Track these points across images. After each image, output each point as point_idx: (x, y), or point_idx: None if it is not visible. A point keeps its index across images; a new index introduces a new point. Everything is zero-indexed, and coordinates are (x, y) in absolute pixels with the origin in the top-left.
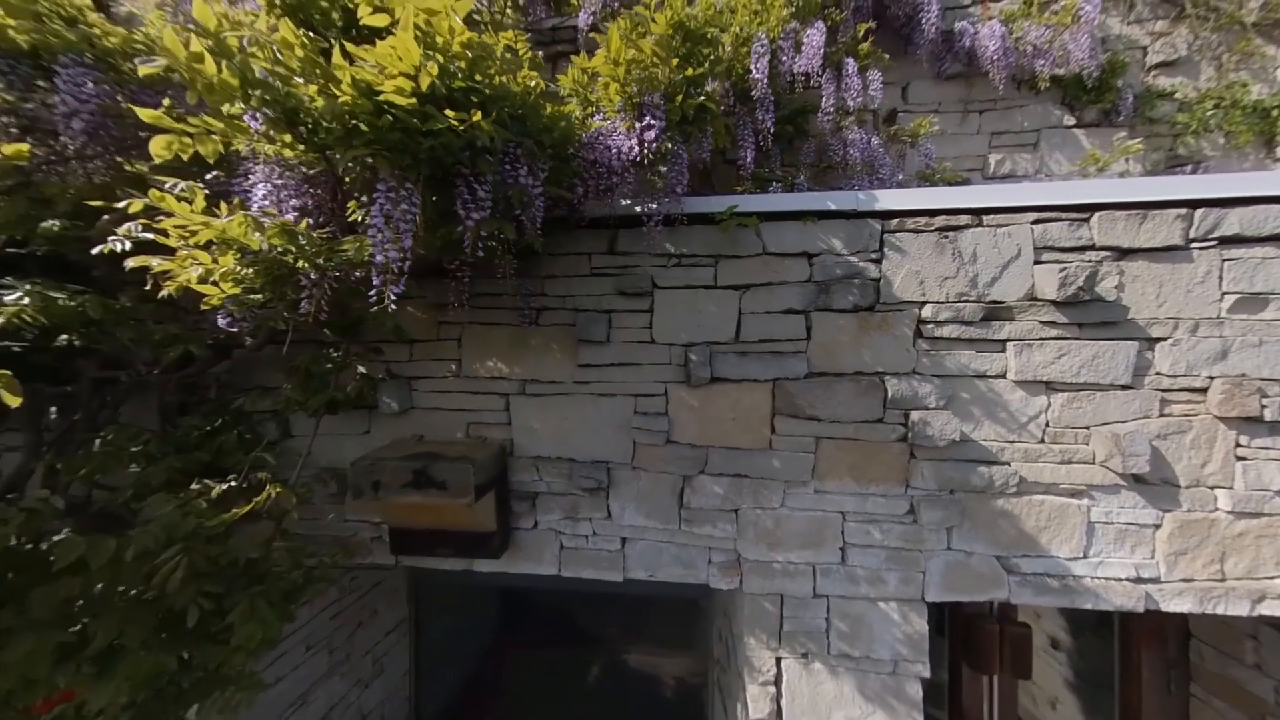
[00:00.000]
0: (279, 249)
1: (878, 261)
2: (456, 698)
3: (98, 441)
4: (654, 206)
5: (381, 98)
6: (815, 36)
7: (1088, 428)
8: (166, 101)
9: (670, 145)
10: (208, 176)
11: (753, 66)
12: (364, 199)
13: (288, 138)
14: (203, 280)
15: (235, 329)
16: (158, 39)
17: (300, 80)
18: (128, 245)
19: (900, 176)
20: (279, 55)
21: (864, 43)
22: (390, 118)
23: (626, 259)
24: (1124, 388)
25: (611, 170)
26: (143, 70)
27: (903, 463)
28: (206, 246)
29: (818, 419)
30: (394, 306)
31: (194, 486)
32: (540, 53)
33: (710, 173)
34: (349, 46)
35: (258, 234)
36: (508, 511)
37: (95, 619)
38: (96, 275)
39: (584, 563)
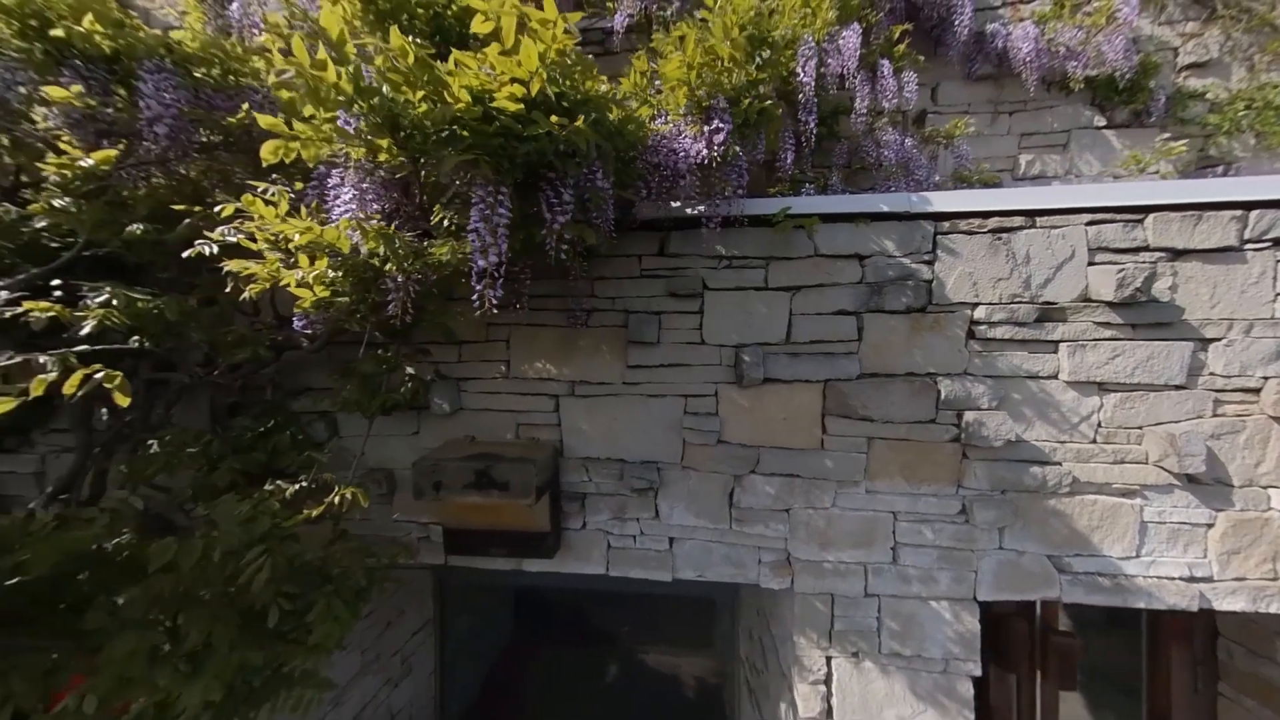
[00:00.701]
0: (372, 253)
1: (930, 263)
2: (479, 696)
3: (154, 443)
4: (715, 208)
5: (494, 104)
6: (851, 38)
7: (1140, 428)
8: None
9: (737, 148)
10: (268, 180)
11: (800, 69)
12: (441, 201)
13: (384, 142)
14: (301, 284)
15: (309, 331)
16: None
17: (406, 87)
18: (215, 249)
19: (937, 178)
20: (395, 63)
21: (900, 44)
22: (497, 123)
23: (677, 260)
24: (1178, 388)
25: (677, 173)
26: (272, 80)
27: (955, 463)
28: (290, 249)
29: (870, 419)
30: (496, 309)
31: (267, 487)
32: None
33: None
34: (456, 54)
35: (358, 238)
36: (559, 512)
37: (187, 618)
38: (164, 277)
39: (632, 562)
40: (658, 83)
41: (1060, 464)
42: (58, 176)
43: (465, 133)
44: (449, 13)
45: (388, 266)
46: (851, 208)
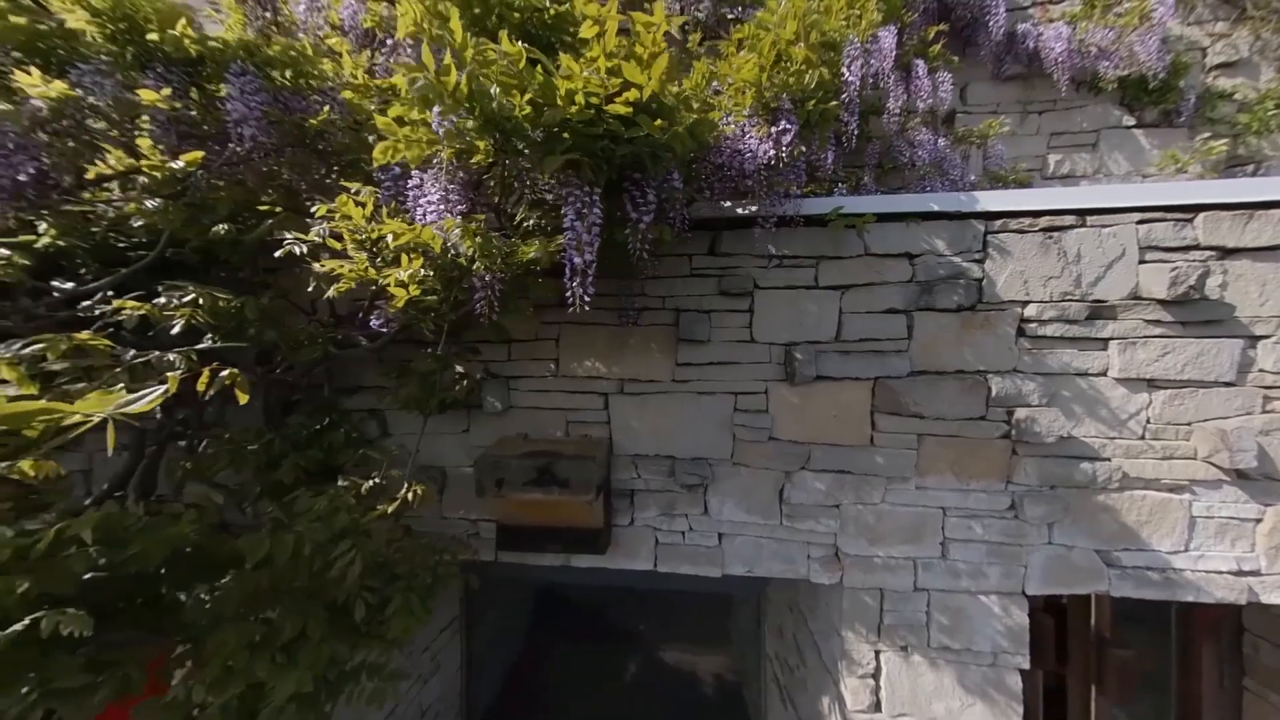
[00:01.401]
0: (463, 252)
1: (980, 261)
2: (500, 693)
3: (206, 441)
4: (771, 207)
5: (607, 107)
6: (887, 38)
7: (1189, 424)
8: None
9: (803, 148)
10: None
11: (845, 70)
12: (528, 200)
13: (483, 144)
14: (399, 283)
15: (385, 329)
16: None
17: (516, 91)
18: (304, 249)
19: (972, 178)
20: (512, 67)
21: (935, 45)
22: (604, 125)
23: (728, 260)
24: (1227, 385)
25: (742, 173)
26: (408, 87)
27: (1005, 459)
28: (375, 250)
29: (921, 416)
30: (588, 306)
31: (341, 483)
32: None
33: None
34: (564, 58)
35: (458, 236)
36: (610, 508)
37: (282, 611)
38: (238, 277)
39: (681, 558)
40: (714, 84)
41: (1109, 460)
42: (145, 178)
43: (567, 135)
44: (545, 18)
45: (475, 265)
46: (903, 207)
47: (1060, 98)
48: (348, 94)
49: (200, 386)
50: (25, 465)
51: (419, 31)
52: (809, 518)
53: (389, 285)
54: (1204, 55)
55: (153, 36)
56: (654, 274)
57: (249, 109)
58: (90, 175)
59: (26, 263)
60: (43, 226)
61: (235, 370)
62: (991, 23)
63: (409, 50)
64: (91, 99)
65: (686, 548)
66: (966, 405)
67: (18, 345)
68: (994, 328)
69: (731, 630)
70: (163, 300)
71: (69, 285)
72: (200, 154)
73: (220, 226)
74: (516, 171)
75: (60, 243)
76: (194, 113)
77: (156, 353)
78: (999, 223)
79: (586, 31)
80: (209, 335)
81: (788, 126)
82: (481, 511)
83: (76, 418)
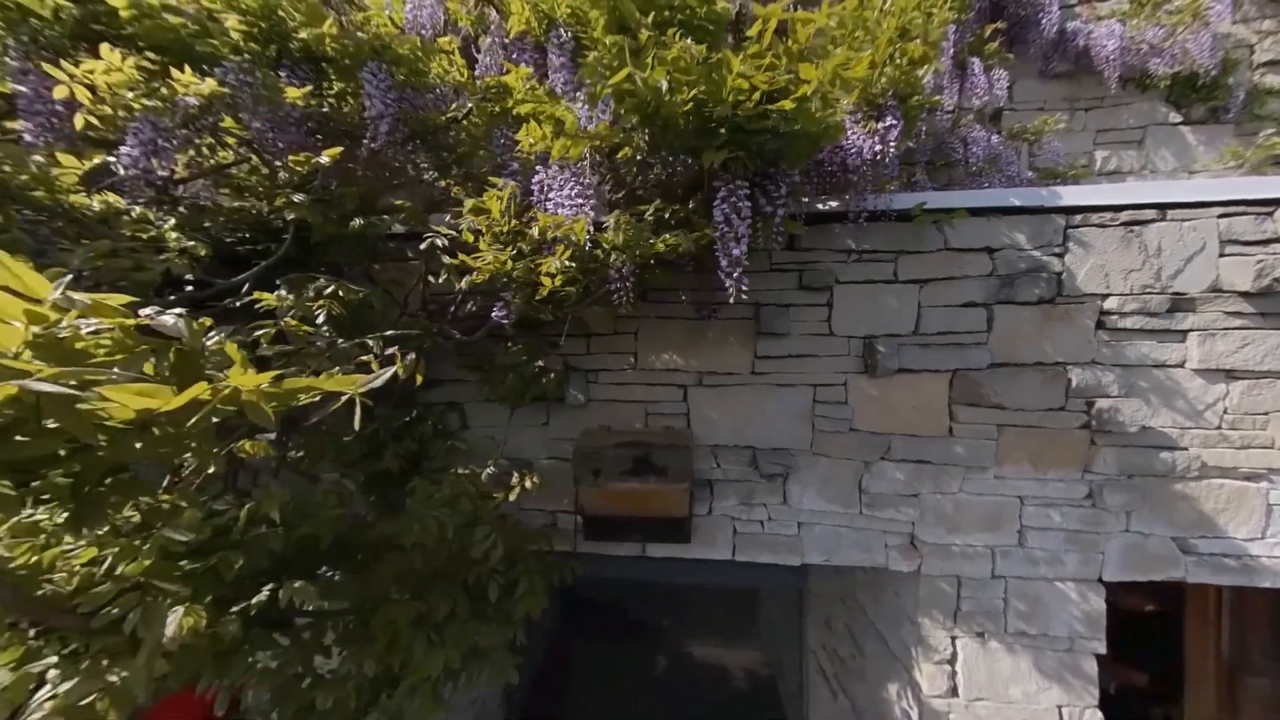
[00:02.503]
0: (599, 244)
1: (1061, 255)
2: (532, 685)
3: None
4: (862, 203)
5: (780, 104)
6: (948, 35)
7: (1266, 414)
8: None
9: (910, 143)
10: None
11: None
12: (677, 192)
13: (635, 139)
14: (548, 275)
15: (505, 320)
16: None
17: (685, 86)
18: (444, 241)
19: (1029, 174)
20: (681, 64)
21: (991, 42)
22: (769, 120)
23: (808, 255)
24: None
25: (845, 169)
26: (603, 90)
27: (1083, 449)
28: (507, 242)
29: (1001, 407)
30: (745, 296)
31: (461, 471)
32: None
33: None
34: (728, 55)
35: (609, 226)
36: (692, 498)
37: (435, 592)
38: (344, 271)
39: (759, 547)
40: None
41: (1187, 449)
42: (284, 174)
43: (724, 130)
44: (700, 14)
45: (613, 257)
46: (985, 202)
47: (1107, 95)
48: (470, 90)
49: (400, 370)
50: (246, 445)
51: (528, 30)
52: (888, 507)
53: (540, 276)
54: (1251, 52)
55: (303, 36)
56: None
57: (385, 105)
58: (211, 166)
59: (204, 253)
60: (171, 221)
61: (416, 355)
62: (1044, 21)
63: (513, 50)
64: (237, 96)
65: (765, 536)
66: (1046, 396)
67: (228, 330)
68: (1074, 320)
69: (760, 624)
70: (303, 294)
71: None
72: (339, 150)
73: (356, 220)
74: (661, 165)
75: (187, 238)
76: (325, 109)
77: (340, 340)
78: (1079, 217)
79: (754, 30)
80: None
81: (894, 123)
82: (559, 503)
83: (316, 394)
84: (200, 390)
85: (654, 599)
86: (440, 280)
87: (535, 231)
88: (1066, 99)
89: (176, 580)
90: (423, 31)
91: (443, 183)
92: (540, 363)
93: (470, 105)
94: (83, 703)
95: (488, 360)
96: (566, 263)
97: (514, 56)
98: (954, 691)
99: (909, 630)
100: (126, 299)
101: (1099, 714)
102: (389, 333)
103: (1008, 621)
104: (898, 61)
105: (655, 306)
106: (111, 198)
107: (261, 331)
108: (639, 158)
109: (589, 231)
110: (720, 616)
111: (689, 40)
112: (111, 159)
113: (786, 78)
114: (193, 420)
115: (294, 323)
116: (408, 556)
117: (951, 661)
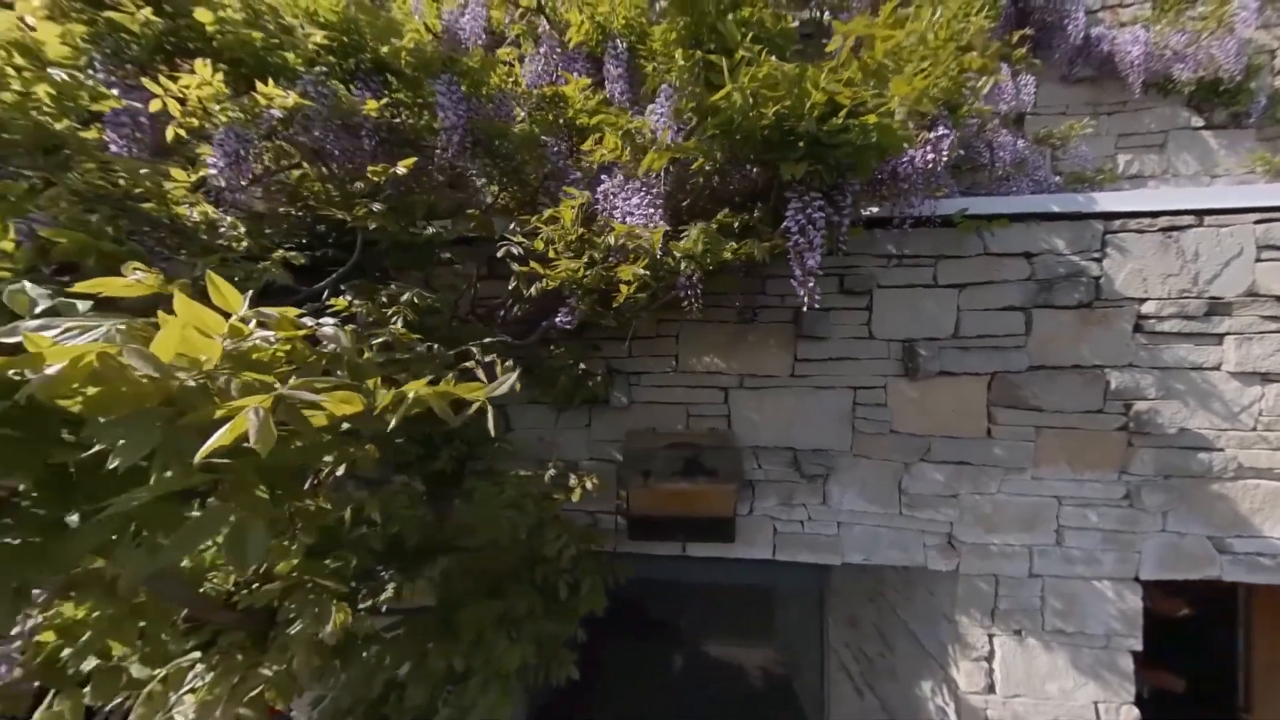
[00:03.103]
0: (672, 252)
1: (1099, 260)
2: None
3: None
4: (908, 209)
5: (864, 118)
6: None
7: None
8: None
9: (961, 151)
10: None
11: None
12: (747, 201)
13: (714, 152)
14: (625, 282)
15: (569, 324)
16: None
17: (771, 101)
18: (519, 250)
19: (1056, 178)
20: (770, 81)
21: (1019, 48)
22: (848, 133)
23: (848, 259)
24: None
25: (896, 177)
26: (687, 104)
27: (1120, 450)
28: (577, 250)
29: (1039, 409)
30: (819, 304)
31: (522, 473)
32: None
33: None
34: (811, 70)
35: (690, 239)
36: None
37: (514, 590)
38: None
39: (800, 547)
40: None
41: (1223, 450)
42: (361, 183)
43: (802, 143)
44: (773, 31)
45: (683, 265)
46: (1024, 208)
47: (1130, 99)
48: (525, 98)
49: (501, 374)
50: (370, 449)
51: (584, 40)
52: (927, 507)
53: (618, 283)
54: (1273, 57)
55: (385, 49)
56: (773, 273)
57: (458, 117)
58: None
59: (303, 261)
60: (242, 229)
61: (508, 364)
62: (1070, 27)
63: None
64: (316, 107)
65: (806, 536)
66: (1085, 398)
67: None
68: (1111, 324)
69: (775, 623)
70: (376, 299)
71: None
72: (414, 159)
73: (428, 228)
74: (723, 176)
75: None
76: (396, 120)
77: (437, 346)
78: (1118, 223)
79: (833, 46)
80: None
81: (945, 132)
82: (601, 504)
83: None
84: (389, 399)
85: (669, 597)
86: (510, 285)
87: (611, 239)
88: (1089, 103)
89: (330, 577)
90: (464, 38)
91: (494, 189)
92: (583, 366)
93: (523, 114)
94: (252, 694)
95: (537, 363)
96: (642, 271)
97: (566, 65)
98: (991, 688)
99: (945, 628)
100: (296, 311)
101: (1135, 710)
102: (486, 340)
103: (1045, 619)
104: (952, 73)
105: (697, 310)
106: (210, 209)
107: (378, 340)
108: (706, 168)
109: (662, 240)
110: (735, 617)
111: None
112: (212, 171)
113: (871, 93)
114: (392, 423)
115: (402, 330)
116: (480, 556)
117: (989, 659)
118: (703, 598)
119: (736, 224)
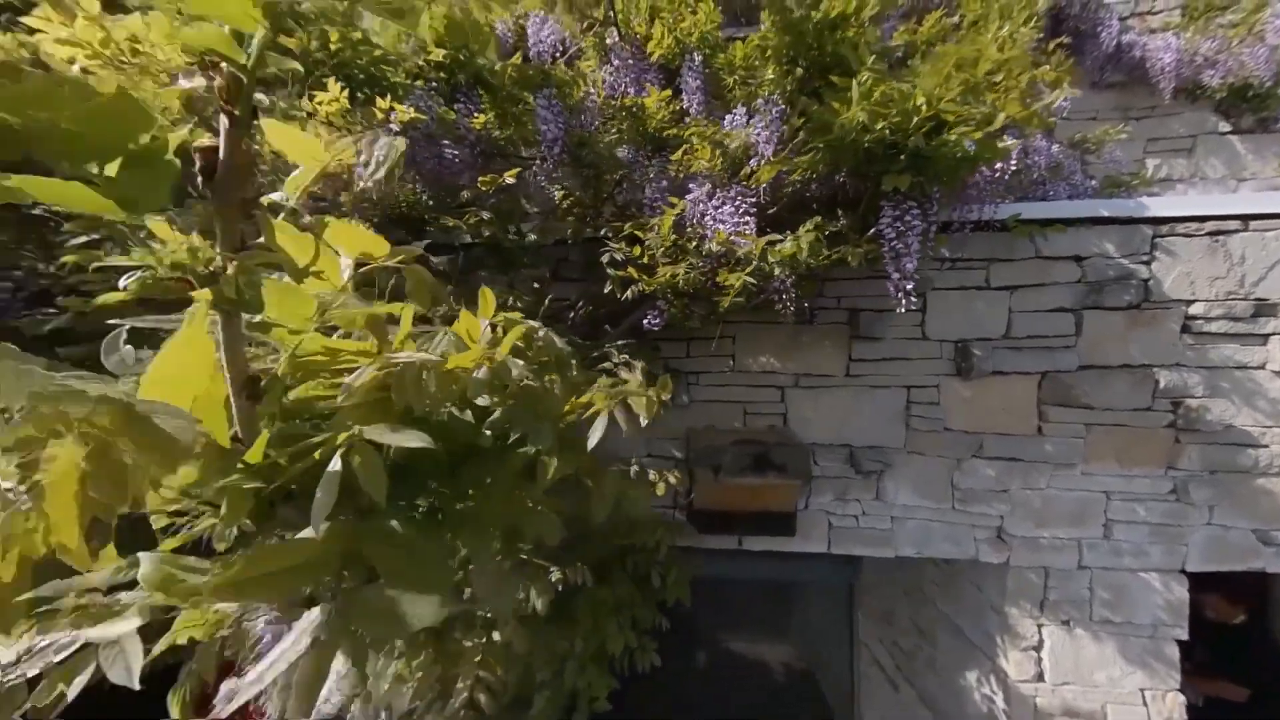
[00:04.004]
0: (786, 256)
1: (1148, 263)
2: None
3: None
4: (969, 213)
5: (972, 134)
6: None
7: None
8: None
9: (1032, 159)
10: None
11: None
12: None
13: (816, 164)
14: (731, 287)
15: (657, 325)
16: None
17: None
18: (620, 256)
19: (1093, 183)
20: (879, 99)
21: (1054, 55)
22: (947, 148)
23: None
24: None
25: (966, 183)
26: (840, 116)
27: (1167, 446)
28: (671, 255)
29: (1090, 407)
30: (913, 309)
31: (613, 469)
32: None
33: None
34: (920, 90)
35: (788, 243)
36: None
37: (617, 579)
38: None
39: (854, 541)
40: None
41: (1268, 446)
42: (465, 192)
43: (903, 156)
44: (850, 47)
45: (777, 270)
46: (1075, 213)
47: (1159, 105)
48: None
49: (641, 376)
50: None
51: (665, 54)
52: (979, 502)
53: (723, 288)
54: None
55: (482, 61)
56: (830, 276)
57: (559, 129)
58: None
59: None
60: None
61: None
62: (1104, 34)
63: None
64: (427, 121)
65: (861, 530)
66: (1134, 397)
67: None
68: (1160, 324)
69: (795, 619)
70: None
71: None
72: (518, 169)
73: (529, 233)
74: (819, 184)
75: None
76: (496, 133)
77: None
78: (1166, 227)
79: (938, 65)
80: None
81: (1013, 141)
82: (659, 499)
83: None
84: (603, 399)
85: (694, 592)
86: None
87: (712, 246)
88: (1118, 108)
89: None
90: (542, 52)
91: (560, 195)
92: (642, 363)
93: (597, 123)
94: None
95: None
96: (748, 277)
97: (638, 77)
98: (1040, 677)
99: (993, 620)
100: (519, 317)
101: (1180, 696)
102: (619, 342)
103: (1093, 610)
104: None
105: (752, 311)
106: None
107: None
108: (801, 179)
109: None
110: (754, 612)
111: (869, 76)
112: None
113: (974, 109)
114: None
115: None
116: (590, 546)
117: (1038, 648)
118: (727, 592)
119: (828, 231)
